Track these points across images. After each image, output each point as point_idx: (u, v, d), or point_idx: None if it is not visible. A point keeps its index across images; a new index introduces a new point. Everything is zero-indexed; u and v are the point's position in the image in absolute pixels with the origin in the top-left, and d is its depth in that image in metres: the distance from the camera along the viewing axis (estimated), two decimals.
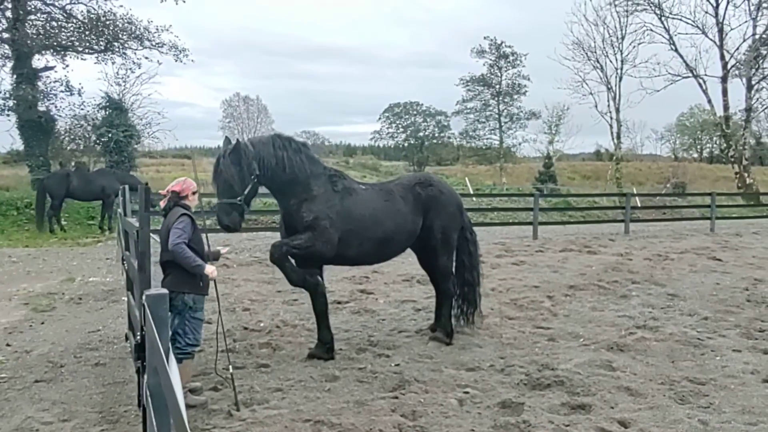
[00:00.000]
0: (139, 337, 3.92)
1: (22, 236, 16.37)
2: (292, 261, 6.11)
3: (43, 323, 7.80)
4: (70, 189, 16.87)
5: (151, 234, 4.95)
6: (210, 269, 4.98)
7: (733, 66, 34.92)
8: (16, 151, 26.53)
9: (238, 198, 5.68)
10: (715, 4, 34.80)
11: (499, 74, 46.82)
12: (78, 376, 5.83)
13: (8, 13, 22.55)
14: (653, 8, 35.90)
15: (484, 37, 46.24)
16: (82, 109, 25.05)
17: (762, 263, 12.42)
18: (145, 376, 3.27)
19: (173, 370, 2.95)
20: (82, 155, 25.97)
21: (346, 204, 6.17)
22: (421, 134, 55.66)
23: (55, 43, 22.89)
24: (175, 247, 4.83)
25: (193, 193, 5.22)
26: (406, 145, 56.20)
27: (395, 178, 7.60)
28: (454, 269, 7.11)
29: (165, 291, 3.29)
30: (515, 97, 47.10)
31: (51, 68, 23.98)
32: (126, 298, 6.96)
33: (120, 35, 23.63)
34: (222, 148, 5.82)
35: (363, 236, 6.25)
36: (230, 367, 5.10)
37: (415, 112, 56.26)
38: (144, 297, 3.29)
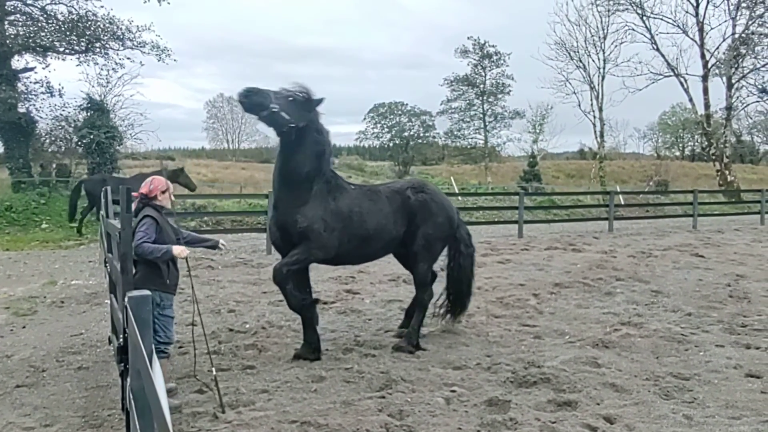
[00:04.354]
0: (121, 340, 3.87)
1: (2, 239, 16.12)
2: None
3: (24, 327, 7.68)
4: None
5: None
6: (178, 249, 4.93)
7: (713, 65, 35.43)
8: None
9: (275, 106, 5.64)
10: (695, 4, 35.32)
11: (483, 74, 46.96)
12: (60, 380, 5.74)
13: None
14: (635, 8, 36.36)
15: (468, 37, 46.41)
16: (63, 110, 24.78)
17: (743, 259, 12.57)
18: (129, 379, 3.23)
19: (156, 372, 2.92)
20: (64, 157, 25.62)
21: (339, 203, 6.20)
22: (406, 134, 55.66)
23: (35, 44, 22.57)
24: (137, 249, 4.80)
25: (163, 192, 5.13)
26: (391, 145, 56.16)
27: (391, 181, 7.62)
28: (446, 276, 7.11)
29: (147, 293, 3.25)
30: (499, 96, 47.27)
31: (31, 69, 23.66)
32: (109, 301, 6.88)
33: (101, 35, 23.36)
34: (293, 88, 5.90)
35: (349, 234, 6.24)
36: (213, 369, 5.06)
37: (399, 112, 56.25)
38: (126, 299, 3.25)
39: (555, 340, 6.83)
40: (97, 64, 24.99)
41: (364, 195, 6.49)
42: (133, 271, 4.91)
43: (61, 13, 23.25)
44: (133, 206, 5.14)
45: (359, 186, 6.86)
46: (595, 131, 40.29)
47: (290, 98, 5.81)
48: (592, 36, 39.03)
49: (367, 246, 6.44)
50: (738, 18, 34.78)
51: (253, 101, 5.66)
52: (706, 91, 35.76)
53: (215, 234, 16.28)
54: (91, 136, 23.35)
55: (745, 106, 38.24)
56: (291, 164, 6.00)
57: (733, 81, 35.33)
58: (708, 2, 34.87)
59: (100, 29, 23.24)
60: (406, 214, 6.58)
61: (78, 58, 24.35)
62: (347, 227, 6.19)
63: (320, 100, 6.04)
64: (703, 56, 35.43)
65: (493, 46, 46.19)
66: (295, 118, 5.81)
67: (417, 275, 6.81)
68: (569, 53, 39.59)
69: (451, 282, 7.11)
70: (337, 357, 6.22)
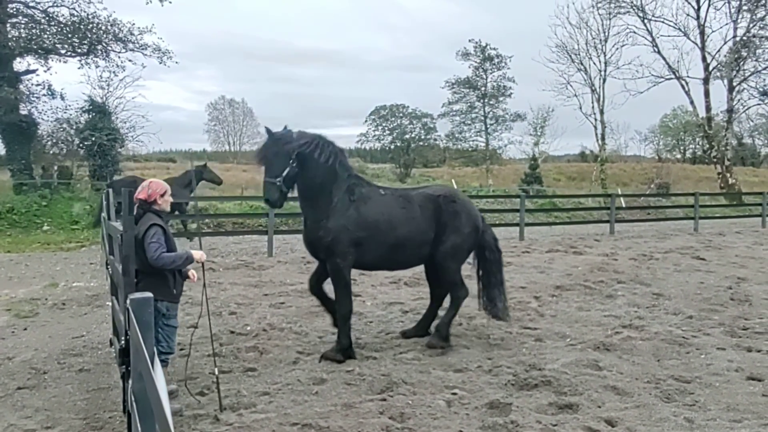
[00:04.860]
0: (123, 342, 3.87)
1: (4, 241, 16.15)
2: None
3: (25, 329, 7.69)
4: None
5: None
6: (198, 254, 5.00)
7: (714, 68, 35.35)
8: None
9: (277, 179, 6.06)
10: (696, 7, 35.23)
11: (484, 76, 46.94)
12: (62, 382, 5.75)
13: None
14: (636, 11, 36.24)
15: (469, 40, 46.42)
16: (65, 112, 24.78)
17: (745, 262, 12.57)
18: (130, 382, 3.23)
19: (158, 374, 2.92)
20: (65, 159, 25.64)
21: (362, 211, 6.35)
22: (407, 136, 55.63)
23: (36, 46, 22.59)
24: (156, 261, 4.77)
25: (162, 196, 5.10)
26: (392, 147, 56.13)
27: (423, 186, 7.85)
28: (480, 284, 7.16)
29: (149, 295, 3.25)
30: (500, 99, 47.20)
31: (33, 71, 23.66)
32: (110, 303, 6.89)
33: (103, 38, 23.38)
34: (274, 132, 6.26)
35: (377, 242, 6.38)
36: (216, 369, 5.07)
37: (401, 115, 56.23)
38: (128, 301, 3.26)
39: (556, 342, 6.83)
40: (99, 66, 24.97)
41: (394, 201, 6.60)
42: (134, 281, 4.90)
43: (63, 15, 23.26)
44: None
45: (390, 191, 6.90)
46: (596, 134, 40.19)
47: (265, 160, 6.17)
48: (593, 39, 38.92)
49: (398, 253, 6.55)
50: (739, 21, 34.73)
51: (276, 196, 6.12)
52: (707, 93, 35.70)
53: (217, 236, 16.30)
54: (93, 139, 23.35)
55: (747, 109, 38.10)
56: (305, 181, 6.29)
57: (735, 84, 35.26)
58: (709, 5, 34.86)
59: (101, 31, 23.23)
60: (437, 222, 6.68)
61: (80, 61, 24.37)
62: (374, 235, 6.34)
63: (276, 134, 6.19)
64: (704, 59, 35.38)
65: (494, 48, 46.19)
66: (287, 160, 6.11)
67: (446, 277, 6.86)
68: (570, 56, 39.51)
69: (482, 286, 7.16)
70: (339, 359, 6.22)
